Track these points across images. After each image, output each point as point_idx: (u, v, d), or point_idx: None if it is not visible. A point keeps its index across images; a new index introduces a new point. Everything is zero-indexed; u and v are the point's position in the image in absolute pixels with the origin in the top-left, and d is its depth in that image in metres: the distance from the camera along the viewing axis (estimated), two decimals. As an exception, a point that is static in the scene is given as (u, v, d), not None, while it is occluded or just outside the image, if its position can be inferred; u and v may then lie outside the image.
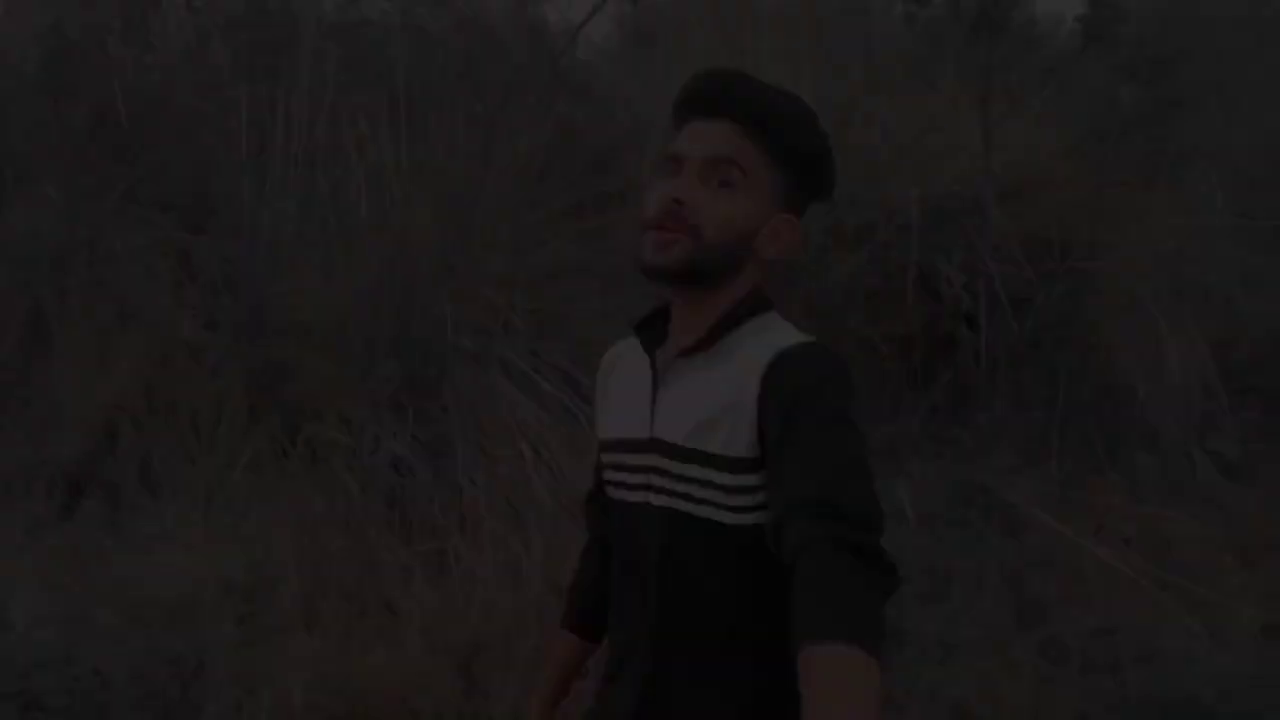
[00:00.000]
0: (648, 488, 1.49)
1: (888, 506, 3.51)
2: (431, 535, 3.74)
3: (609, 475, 1.57)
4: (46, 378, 4.23)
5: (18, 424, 4.16)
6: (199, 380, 4.10)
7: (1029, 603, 3.72)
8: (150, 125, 4.60)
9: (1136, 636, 3.60)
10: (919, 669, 3.31)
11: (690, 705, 1.46)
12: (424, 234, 4.05)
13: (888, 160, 4.41)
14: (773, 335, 1.45)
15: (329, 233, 4.24)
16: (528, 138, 4.27)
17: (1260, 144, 5.45)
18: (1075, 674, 3.39)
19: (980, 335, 4.33)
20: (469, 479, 3.76)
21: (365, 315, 3.98)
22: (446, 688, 3.17)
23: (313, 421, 3.94)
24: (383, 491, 3.84)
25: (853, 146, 4.49)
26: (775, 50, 5.01)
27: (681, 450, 1.45)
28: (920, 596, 3.59)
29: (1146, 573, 3.79)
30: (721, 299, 1.47)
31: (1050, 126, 4.73)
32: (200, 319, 4.32)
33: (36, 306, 4.37)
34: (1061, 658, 3.47)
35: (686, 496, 1.45)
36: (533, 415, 3.78)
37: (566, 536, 3.54)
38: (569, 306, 4.13)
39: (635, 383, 1.54)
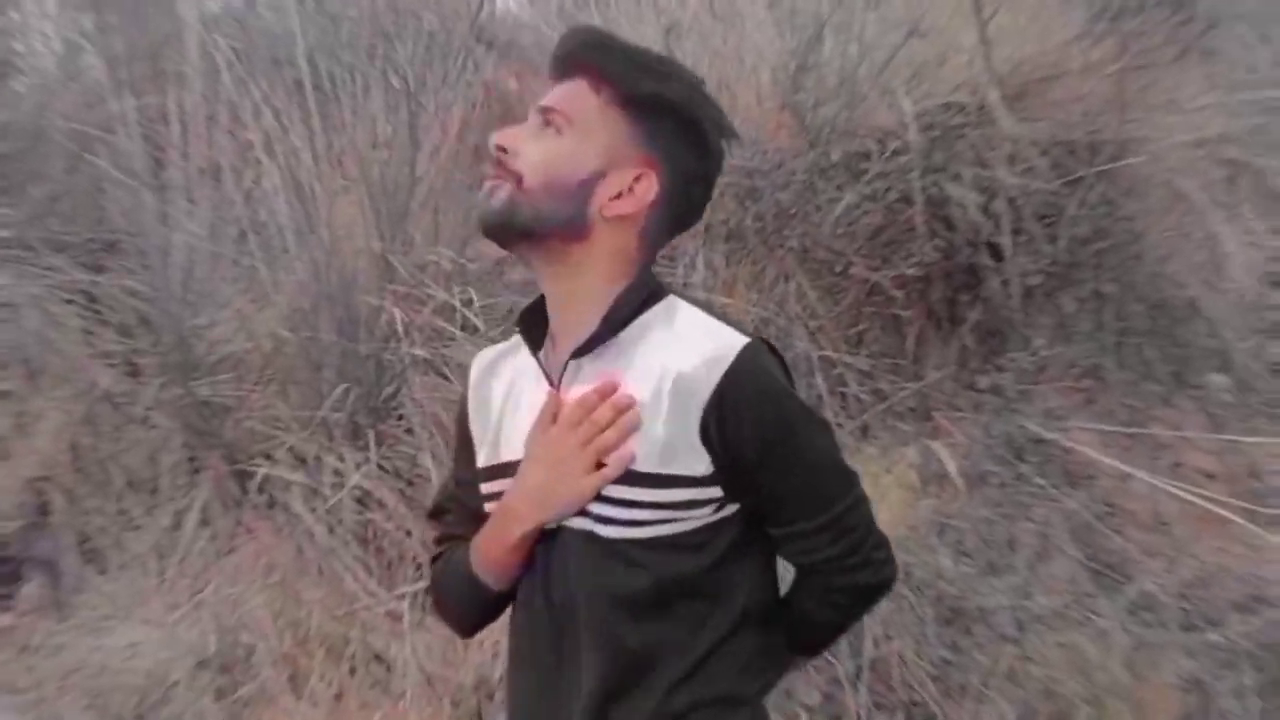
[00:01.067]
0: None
1: (929, 472, 3.48)
2: (415, 573, 3.73)
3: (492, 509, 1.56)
4: (-42, 456, 4.15)
5: (-66, 512, 4.10)
6: (129, 434, 4.08)
7: (1108, 561, 3.66)
8: (29, 158, 4.56)
9: (1237, 582, 3.56)
10: (995, 651, 3.29)
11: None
12: (356, 234, 3.99)
13: (871, 77, 4.27)
14: (681, 333, 1.49)
15: (249, 249, 4.18)
16: (456, 110, 4.21)
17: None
18: (1175, 634, 3.33)
19: (1006, 263, 4.18)
20: (447, 505, 3.70)
21: (304, 335, 3.93)
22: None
23: (263, 462, 3.95)
24: (353, 530, 3.85)
25: (827, 67, 4.43)
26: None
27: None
28: (982, 569, 3.51)
29: (1237, 509, 3.70)
30: (586, 275, 1.50)
31: (1057, 9, 4.66)
32: (120, 366, 4.29)
33: (-66, 377, 4.28)
34: (1156, 619, 3.43)
35: (614, 521, 1.47)
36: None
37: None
38: (528, 294, 4.04)
39: (527, 394, 1.54)
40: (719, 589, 1.50)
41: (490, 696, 3.32)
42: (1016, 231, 4.12)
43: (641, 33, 4.57)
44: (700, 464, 1.45)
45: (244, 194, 4.21)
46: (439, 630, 3.52)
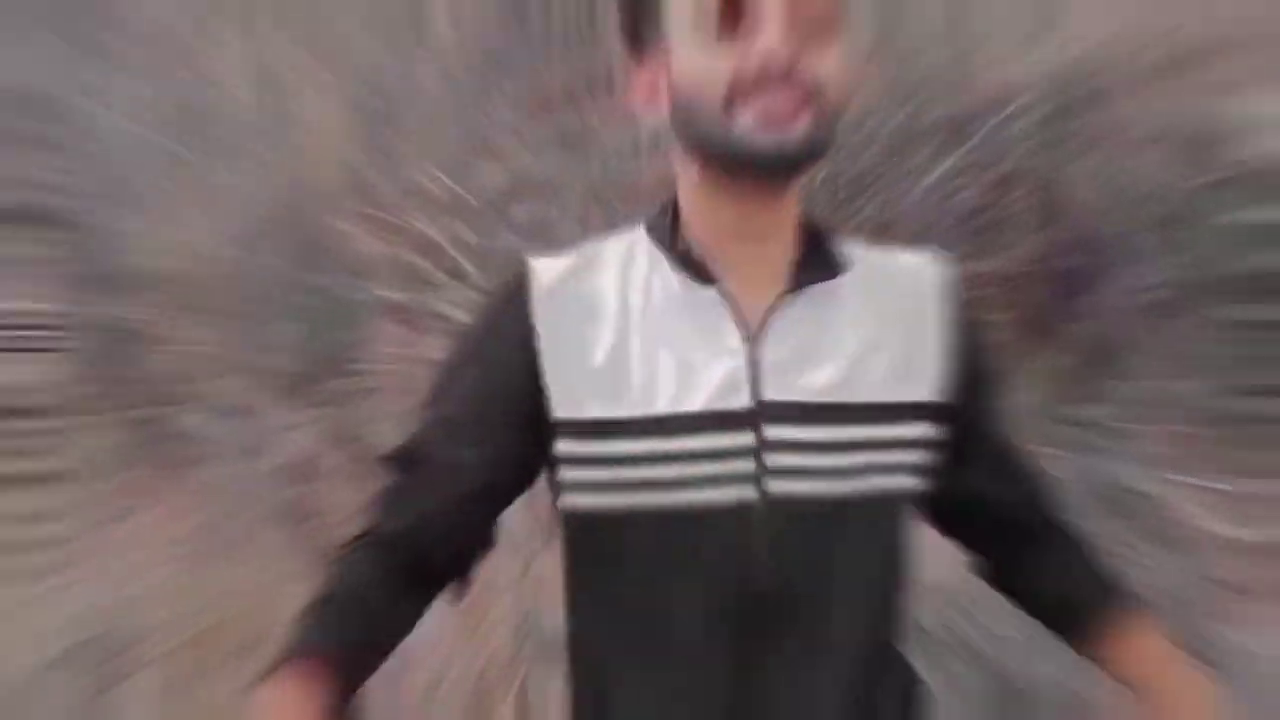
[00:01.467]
0: (759, 474, 1.39)
1: None
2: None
3: (604, 474, 1.41)
4: None
5: None
6: (12, 357, 3.70)
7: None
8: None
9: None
10: None
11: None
12: (331, 140, 3.70)
13: (971, 28, 3.93)
14: (882, 250, 1.57)
15: (191, 141, 3.86)
16: (469, 4, 3.90)
17: None
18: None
19: (1128, 271, 3.85)
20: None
21: (249, 258, 3.65)
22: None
23: (182, 409, 3.67)
24: (288, 502, 3.65)
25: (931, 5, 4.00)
26: None
27: (837, 409, 1.42)
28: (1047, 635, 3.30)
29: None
30: (793, 194, 1.47)
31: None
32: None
33: None
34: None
35: (840, 472, 1.41)
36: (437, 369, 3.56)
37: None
38: (535, 240, 3.75)
39: (689, 337, 1.42)
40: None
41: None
42: (1147, 232, 3.87)
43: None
44: (926, 390, 1.50)
45: (197, 76, 3.85)
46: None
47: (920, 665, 2.87)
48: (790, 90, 1.34)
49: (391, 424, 3.55)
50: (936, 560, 3.27)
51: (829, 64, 1.37)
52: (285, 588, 3.42)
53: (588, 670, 1.53)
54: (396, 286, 3.67)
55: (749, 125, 1.34)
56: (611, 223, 3.73)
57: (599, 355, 1.44)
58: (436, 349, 3.46)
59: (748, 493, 1.40)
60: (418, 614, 1.51)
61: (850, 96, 1.42)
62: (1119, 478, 3.70)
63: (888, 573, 1.50)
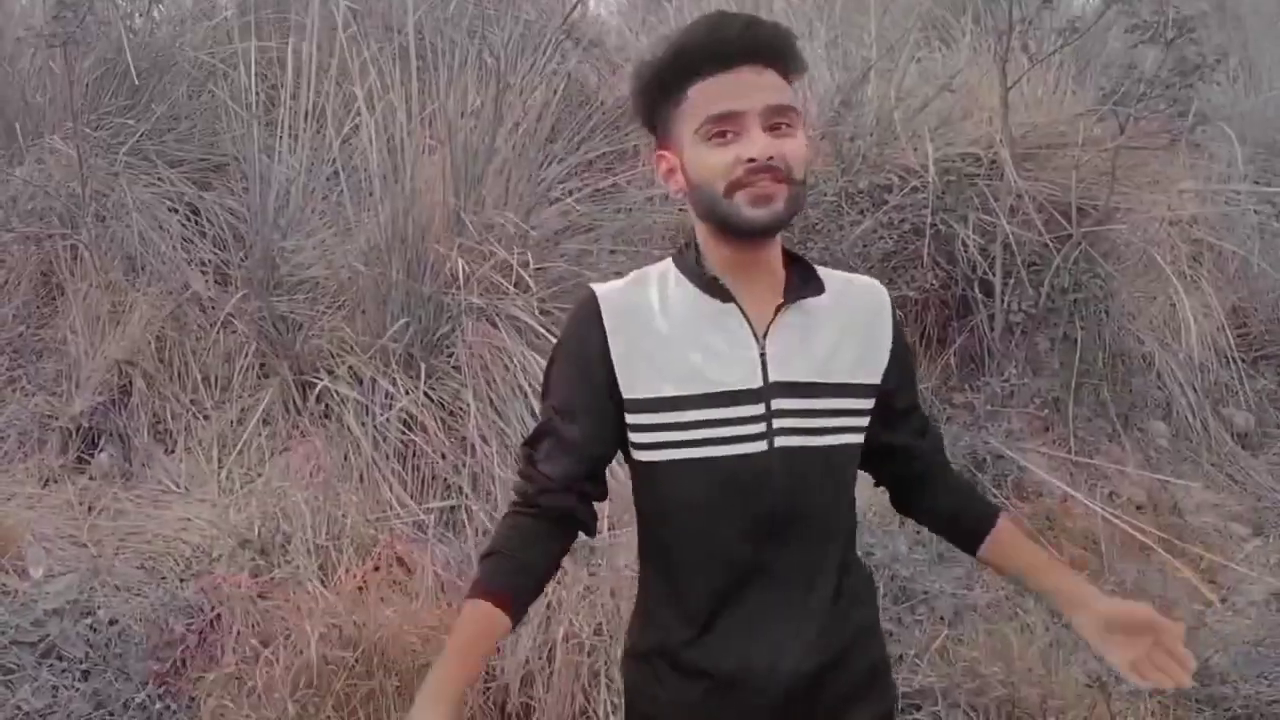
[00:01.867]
0: (770, 434, 1.58)
1: None
2: (444, 492, 3.80)
3: (664, 436, 1.60)
4: (59, 332, 4.33)
5: (31, 377, 4.27)
6: (210, 334, 4.20)
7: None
8: (158, 79, 4.67)
9: (1149, 603, 3.58)
10: (932, 630, 3.41)
11: (856, 612, 1.68)
12: (435, 189, 4.09)
13: (904, 120, 4.43)
14: (839, 273, 1.70)
15: (339, 187, 4.30)
16: (539, 94, 4.32)
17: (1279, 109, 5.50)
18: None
19: (995, 300, 4.39)
20: (480, 437, 3.80)
21: (376, 271, 4.02)
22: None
23: (326, 377, 4.00)
24: (395, 448, 3.87)
25: (867, 106, 4.55)
26: (789, 8, 5.05)
27: (813, 387, 1.60)
28: (933, 560, 3.69)
29: (1158, 539, 3.88)
30: (772, 240, 1.61)
31: (1069, 88, 4.78)
32: (211, 274, 4.42)
33: (48, 260, 4.46)
34: (1073, 622, 3.56)
35: (818, 430, 1.60)
36: (541, 373, 3.77)
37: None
38: (578, 265, 4.18)
39: (716, 337, 1.60)
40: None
41: None
42: (1007, 273, 4.32)
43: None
44: (876, 374, 1.66)
45: (341, 139, 4.32)
46: (456, 545, 3.65)
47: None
48: (770, 177, 1.50)
49: (471, 393, 3.88)
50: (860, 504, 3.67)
51: (795, 152, 1.52)
52: (392, 510, 3.73)
53: (657, 570, 1.69)
54: (479, 294, 3.98)
55: (744, 204, 1.52)
56: (634, 255, 4.03)
57: (653, 352, 1.60)
58: (507, 341, 3.90)
59: (761, 446, 1.58)
60: (561, 554, 1.65)
61: (809, 168, 1.58)
62: (989, 445, 4.11)
63: (847, 499, 1.66)
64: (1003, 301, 4.34)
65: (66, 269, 4.39)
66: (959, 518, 1.78)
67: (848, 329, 1.63)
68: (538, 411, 1.78)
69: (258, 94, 4.34)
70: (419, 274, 4.01)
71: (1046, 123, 4.56)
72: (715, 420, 1.58)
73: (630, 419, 1.61)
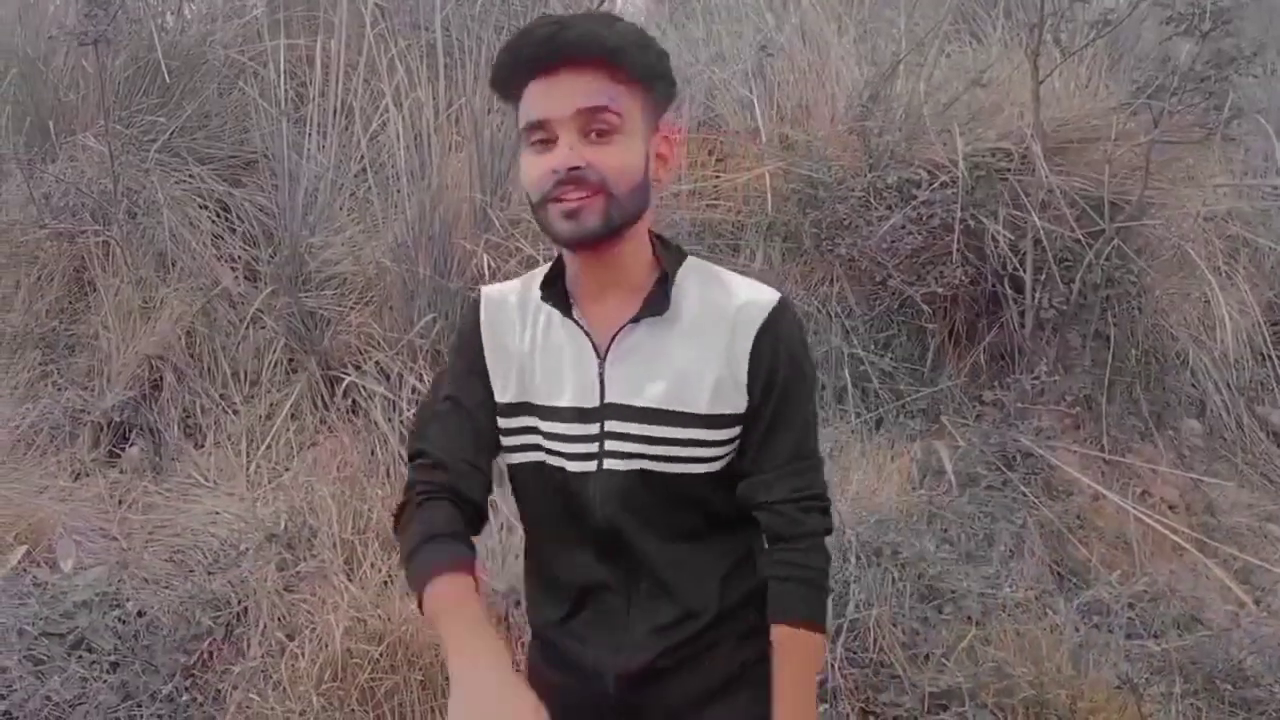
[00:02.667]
0: (600, 455, 1.56)
1: (928, 467, 3.47)
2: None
3: (521, 440, 1.61)
4: (91, 327, 4.35)
5: (63, 371, 4.30)
6: (240, 330, 4.21)
7: (1071, 567, 3.79)
8: (189, 77, 4.69)
9: (1181, 603, 3.66)
10: (959, 629, 3.37)
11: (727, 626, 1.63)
12: (461, 185, 4.08)
13: (933, 115, 4.40)
14: (723, 287, 1.58)
15: (367, 184, 4.31)
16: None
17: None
18: (1118, 638, 3.44)
19: (1025, 296, 4.34)
20: (507, 431, 3.77)
21: (403, 267, 4.02)
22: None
23: (352, 372, 4.01)
24: None
25: (896, 101, 4.52)
26: (818, 3, 5.03)
27: (652, 413, 1.54)
28: (961, 558, 3.65)
29: (1191, 539, 3.84)
30: (628, 246, 1.53)
31: (1102, 81, 4.72)
32: (240, 270, 4.43)
33: (80, 256, 4.47)
34: (1104, 623, 3.52)
35: (654, 457, 1.55)
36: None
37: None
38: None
39: (564, 350, 1.58)
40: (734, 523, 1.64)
41: (518, 604, 3.28)
42: (1038, 269, 4.26)
43: (738, 48, 4.63)
44: (740, 402, 1.56)
45: (369, 136, 4.34)
46: (481, 541, 3.61)
47: (859, 573, 3.19)
48: (576, 189, 1.45)
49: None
50: (874, 490, 3.65)
51: (609, 160, 1.45)
52: None
53: (533, 558, 1.71)
54: None
55: (555, 218, 1.48)
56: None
57: (512, 358, 1.61)
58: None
59: (590, 466, 1.57)
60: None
61: (635, 180, 1.48)
62: (1018, 443, 4.03)
63: (694, 520, 1.60)
64: (1033, 298, 4.29)
65: (98, 265, 4.41)
66: (767, 583, 1.61)
67: (705, 352, 1.54)
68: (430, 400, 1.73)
69: (287, 91, 4.33)
70: (445, 270, 4.00)
71: (1079, 117, 4.49)
72: (553, 434, 1.58)
73: (500, 422, 1.62)
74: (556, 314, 1.58)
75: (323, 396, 4.08)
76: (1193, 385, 4.52)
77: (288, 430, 4.02)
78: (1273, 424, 4.60)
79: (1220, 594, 3.73)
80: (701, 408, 1.54)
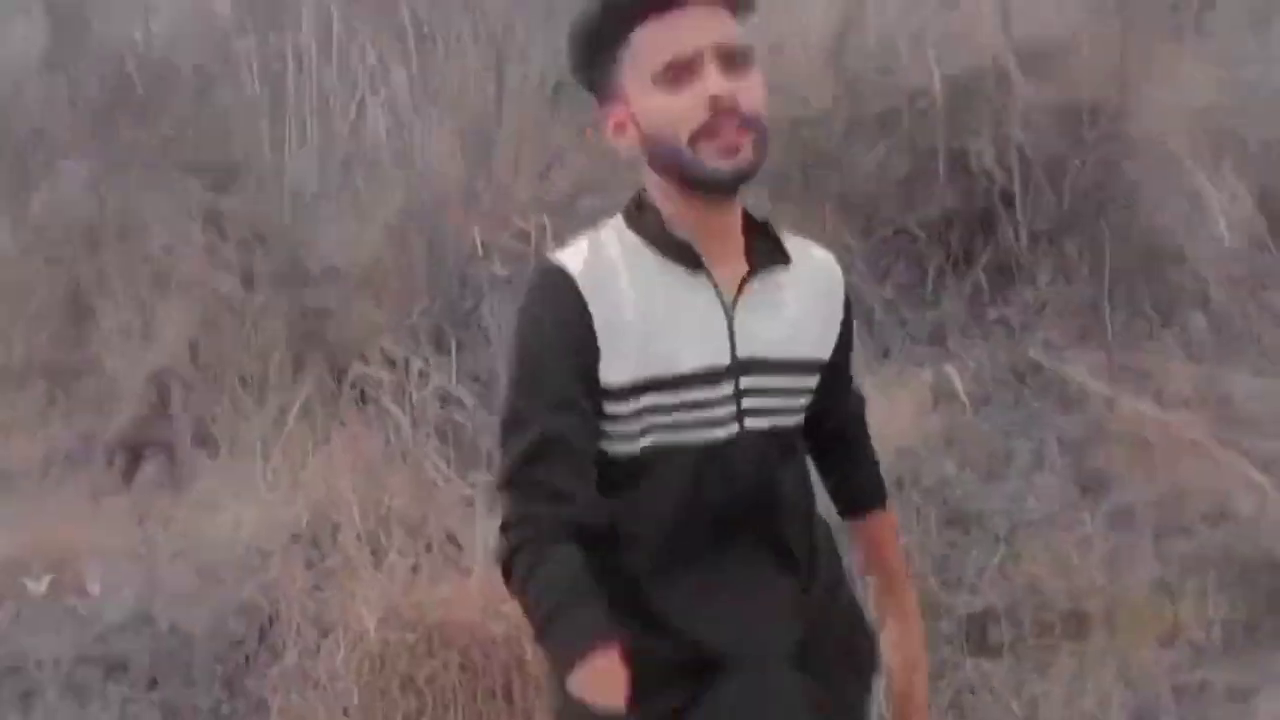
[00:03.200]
0: (740, 415, 1.40)
1: (941, 391, 3.39)
2: (486, 466, 3.66)
3: (639, 425, 1.39)
4: (93, 350, 4.31)
5: (71, 397, 4.27)
6: (243, 336, 4.16)
7: (1093, 476, 3.71)
8: (164, 89, 4.62)
9: (1207, 499, 3.59)
10: (988, 550, 3.33)
11: (833, 599, 1.53)
12: (446, 164, 4.06)
13: (905, 41, 4.37)
14: (799, 240, 1.52)
15: (352, 175, 4.27)
16: (539, 57, 4.22)
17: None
18: (1147, 542, 3.38)
19: (1017, 210, 4.28)
20: (517, 406, 3.71)
21: (397, 252, 4.01)
22: (517, 613, 3.16)
23: (359, 363, 3.96)
24: (434, 425, 3.79)
25: (867, 30, 4.46)
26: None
27: (784, 364, 1.44)
28: (982, 477, 3.60)
29: (1211, 434, 3.76)
30: (735, 199, 1.43)
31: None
32: (237, 276, 4.36)
33: (75, 282, 4.44)
34: (1131, 527, 3.45)
35: (783, 410, 1.46)
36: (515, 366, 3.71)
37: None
38: (594, 224, 4.06)
39: (687, 310, 1.40)
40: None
41: None
42: (1026, 183, 4.26)
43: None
44: (827, 350, 1.52)
45: (349, 126, 4.29)
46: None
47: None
48: (734, 122, 1.33)
49: (504, 363, 3.77)
50: (899, 429, 3.60)
51: (754, 93, 1.36)
52: (437, 486, 3.62)
53: (632, 567, 1.41)
54: (501, 264, 3.92)
55: (710, 155, 1.33)
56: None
57: (625, 330, 1.37)
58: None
59: (732, 429, 1.41)
60: None
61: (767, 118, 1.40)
62: (1027, 358, 4.01)
63: (805, 471, 1.54)
64: (1024, 212, 4.22)
65: (94, 289, 4.37)
66: (848, 480, 1.62)
67: (810, 303, 1.47)
68: (514, 411, 1.39)
69: (261, 91, 4.29)
70: (440, 250, 3.97)
71: (1050, 27, 4.41)
72: (680, 404, 1.37)
73: (608, 408, 1.37)
74: (679, 270, 1.38)
75: (332, 391, 4.00)
76: (1194, 280, 4.41)
77: (301, 429, 3.91)
78: (1278, 309, 4.53)
79: (1244, 485, 3.62)
80: (815, 354, 1.48)
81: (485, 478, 3.61)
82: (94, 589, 3.43)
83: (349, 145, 4.21)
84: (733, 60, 1.34)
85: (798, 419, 1.48)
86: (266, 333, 4.12)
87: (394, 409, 3.81)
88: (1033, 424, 3.78)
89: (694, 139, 1.32)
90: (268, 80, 4.39)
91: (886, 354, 4.06)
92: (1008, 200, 4.31)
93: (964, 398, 3.77)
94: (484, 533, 3.43)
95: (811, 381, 1.48)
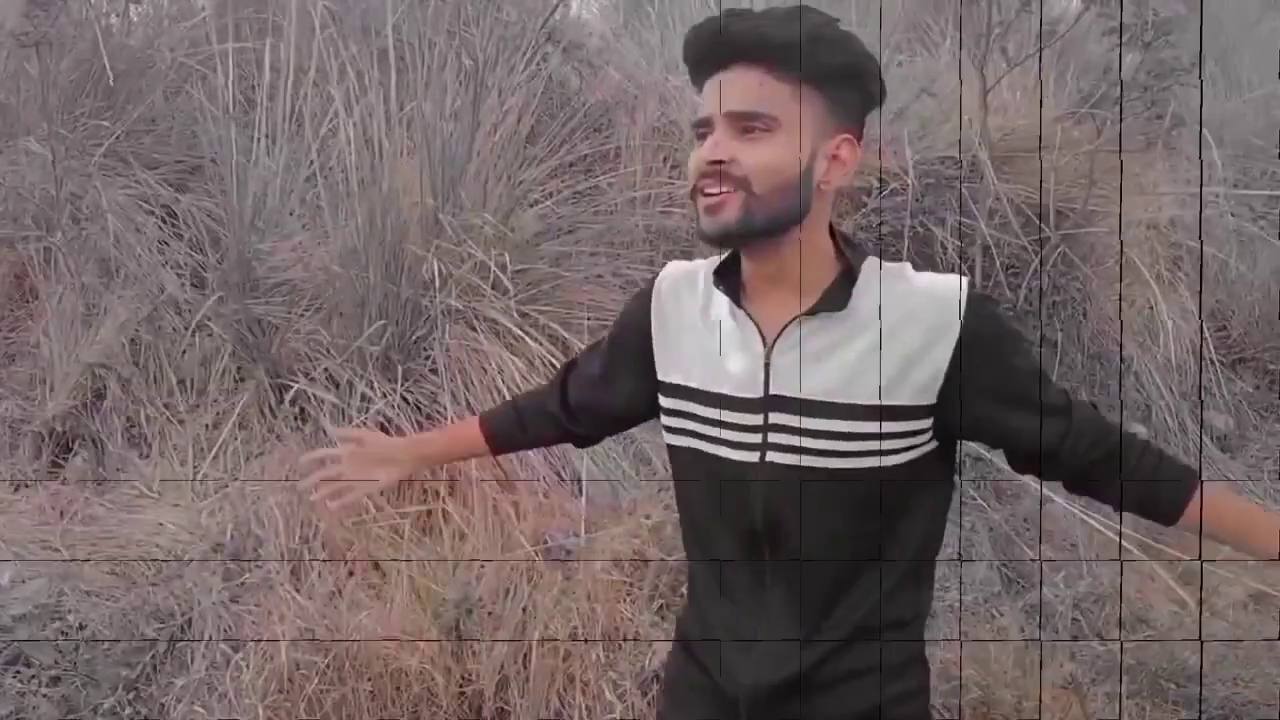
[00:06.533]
0: (764, 446, 1.53)
1: None
2: (420, 496, 3.75)
3: (678, 423, 1.63)
4: (32, 335, 4.28)
5: (3, 380, 4.23)
6: (186, 338, 4.14)
7: (1019, 569, 3.81)
8: (135, 80, 4.61)
9: (1125, 604, 3.70)
10: None
11: (847, 668, 1.57)
12: (413, 191, 4.04)
13: (882, 123, 4.40)
14: (907, 283, 1.51)
15: (316, 189, 4.26)
16: (518, 95, 4.29)
17: (1257, 112, 5.51)
18: (1064, 640, 3.48)
19: None
20: (458, 440, 3.73)
21: (353, 273, 3.97)
22: (434, 647, 3.23)
23: (302, 380, 3.96)
24: None
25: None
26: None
27: (818, 405, 1.49)
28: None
29: (1136, 541, 3.82)
30: (787, 248, 1.49)
31: (1048, 91, 4.77)
32: (187, 276, 4.36)
33: (21, 263, 4.41)
34: (1050, 624, 3.55)
35: (820, 451, 1.50)
36: (521, 376, 3.78)
37: (555, 500, 3.67)
38: (558, 268, 4.15)
39: (729, 339, 1.57)
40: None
41: (469, 612, 3.34)
42: (986, 276, 4.31)
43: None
44: (928, 396, 1.49)
45: (319, 141, 4.29)
46: (432, 549, 3.59)
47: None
48: (717, 183, 1.45)
49: (449, 396, 3.82)
50: None
51: (760, 158, 1.43)
52: (367, 513, 3.65)
53: (688, 552, 1.72)
54: (457, 297, 3.94)
55: (701, 212, 1.49)
56: (614, 257, 3.98)
57: (678, 340, 1.64)
58: (485, 344, 3.85)
59: (753, 456, 1.54)
60: (553, 440, 1.94)
61: (784, 182, 1.45)
62: (967, 447, 3.93)
63: (876, 525, 1.52)
64: (982, 305, 4.26)
65: (40, 272, 4.34)
66: (1143, 502, 1.57)
67: (889, 345, 1.48)
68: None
69: (235, 96, 4.28)
70: (396, 276, 3.96)
71: (1025, 126, 4.54)
72: (715, 420, 1.57)
73: (661, 400, 1.66)
74: (728, 301, 1.57)
75: (271, 405, 4.01)
76: (1137, 390, 4.55)
77: (235, 439, 3.94)
78: (1216, 428, 4.67)
79: (1165, 594, 3.74)
80: (872, 399, 1.48)
81: (415, 509, 3.66)
82: (3, 578, 3.37)
83: (316, 161, 4.20)
84: (748, 125, 1.45)
85: (866, 464, 1.49)
86: (211, 338, 4.11)
87: (332, 431, 3.77)
88: (966, 513, 3.85)
89: (693, 195, 1.51)
90: (243, 86, 4.42)
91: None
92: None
93: (902, 481, 3.81)
94: (408, 564, 3.52)
95: (888, 426, 1.48)
